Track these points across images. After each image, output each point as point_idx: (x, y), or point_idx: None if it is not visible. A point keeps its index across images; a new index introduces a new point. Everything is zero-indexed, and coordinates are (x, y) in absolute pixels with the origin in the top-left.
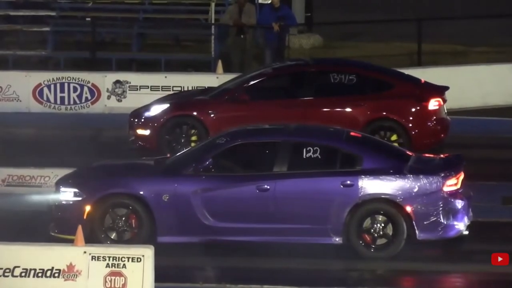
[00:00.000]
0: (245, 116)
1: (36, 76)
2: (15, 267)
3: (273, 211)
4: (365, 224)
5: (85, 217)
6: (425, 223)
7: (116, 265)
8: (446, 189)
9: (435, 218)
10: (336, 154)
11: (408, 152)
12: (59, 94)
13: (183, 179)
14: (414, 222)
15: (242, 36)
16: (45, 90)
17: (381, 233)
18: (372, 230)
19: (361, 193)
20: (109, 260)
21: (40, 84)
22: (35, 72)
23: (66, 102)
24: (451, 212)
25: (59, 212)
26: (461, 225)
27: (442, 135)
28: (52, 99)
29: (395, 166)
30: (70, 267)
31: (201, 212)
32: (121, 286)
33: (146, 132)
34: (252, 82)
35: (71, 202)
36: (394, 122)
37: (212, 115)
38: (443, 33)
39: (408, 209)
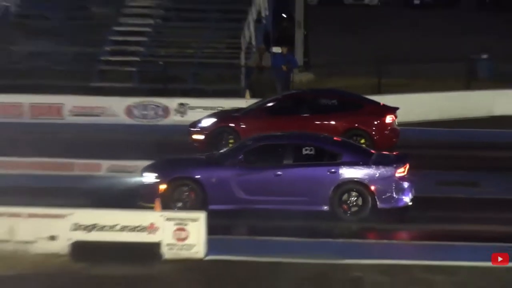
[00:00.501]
0: (264, 127)
1: (127, 100)
2: (116, 224)
3: (283, 189)
4: (343, 197)
5: (160, 192)
6: (383, 197)
7: (181, 224)
8: (397, 175)
9: (390, 194)
10: (324, 151)
11: (372, 151)
12: (142, 112)
13: (224, 168)
14: (376, 197)
15: (261, 74)
16: (133, 109)
17: (354, 203)
18: (348, 202)
19: (341, 177)
20: (177, 220)
21: (130, 105)
22: (126, 97)
23: (148, 117)
24: (400, 190)
25: (144, 189)
26: (407, 199)
27: (394, 140)
28: (138, 115)
29: (363, 160)
30: (151, 225)
31: (236, 189)
32: (184, 237)
33: (200, 137)
34: (268, 104)
35: (151, 183)
36: (363, 131)
37: (242, 126)
38: (395, 71)
39: (372, 188)
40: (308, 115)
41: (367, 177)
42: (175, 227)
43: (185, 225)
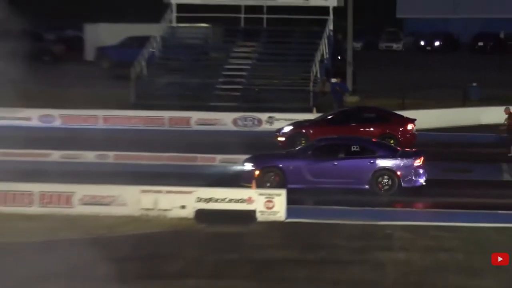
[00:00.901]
0: (325, 132)
1: (234, 115)
2: (225, 198)
3: (338, 174)
4: (379, 179)
5: (255, 176)
6: (405, 179)
7: (270, 197)
8: (415, 164)
9: (410, 177)
10: (366, 149)
11: (398, 148)
12: (244, 122)
13: (298, 159)
14: (400, 179)
15: (324, 96)
16: (238, 120)
17: (386, 184)
18: (382, 182)
19: (377, 166)
20: (266, 195)
21: (235, 118)
22: (233, 112)
23: (247, 126)
24: (417, 175)
25: (244, 174)
26: (422, 180)
27: (413, 141)
28: (241, 124)
29: (392, 154)
30: (249, 198)
31: (306, 174)
32: (272, 207)
33: (282, 139)
34: (328, 117)
35: (249, 170)
36: (392, 135)
37: (311, 132)
38: (413, 94)
39: (398, 173)
40: (355, 124)
41: (394, 165)
42: (265, 200)
43: (272, 198)
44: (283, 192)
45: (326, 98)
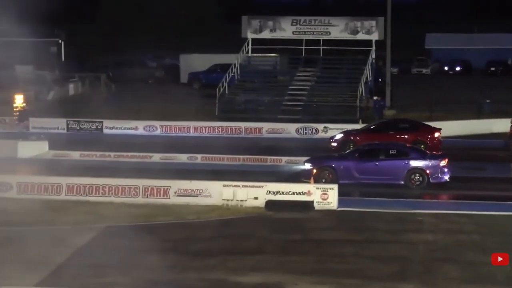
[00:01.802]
0: (369, 139)
1: (296, 125)
2: (289, 191)
3: (379, 172)
4: (412, 176)
5: (313, 175)
6: (433, 176)
7: (325, 191)
8: (441, 164)
9: (437, 175)
10: (401, 152)
11: (427, 152)
12: (304, 131)
13: (348, 160)
14: (429, 176)
15: (368, 110)
16: (299, 129)
17: (417, 180)
18: (414, 179)
19: (411, 166)
20: (322, 189)
21: (298, 127)
22: (296, 123)
23: (307, 134)
24: (443, 173)
25: (304, 172)
26: (446, 177)
27: (439, 146)
28: (302, 133)
29: (422, 156)
30: (309, 191)
31: (354, 172)
32: (326, 198)
33: (335, 144)
34: (371, 127)
35: (308, 169)
36: (422, 141)
37: (358, 138)
38: (439, 108)
39: (427, 171)
40: (393, 133)
41: (424, 165)
42: (321, 192)
43: (327, 191)
44: (335, 187)
45: (369, 112)
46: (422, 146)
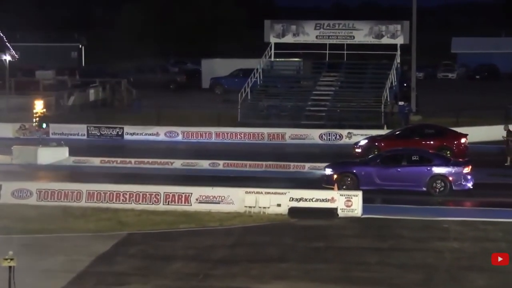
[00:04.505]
0: (393, 145)
1: (320, 131)
2: (313, 197)
3: (401, 178)
4: (434, 184)
5: (334, 179)
6: (456, 183)
7: (349, 197)
8: (464, 171)
9: (460, 182)
10: (424, 158)
11: (450, 158)
12: (328, 137)
13: (370, 166)
14: (452, 183)
15: (393, 115)
16: (323, 135)
17: (440, 187)
18: (436, 186)
19: (433, 172)
20: (346, 196)
21: (321, 133)
22: (319, 129)
23: (331, 140)
24: (465, 180)
25: (325, 177)
26: (469, 185)
27: (465, 152)
28: (325, 139)
29: (445, 163)
30: (332, 198)
31: (375, 178)
32: (350, 205)
33: (358, 150)
34: (396, 133)
35: (329, 174)
36: (448, 147)
37: (382, 144)
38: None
39: (450, 178)
40: (418, 139)
41: (447, 172)
42: (345, 199)
43: (351, 198)
44: (359, 193)
45: (395, 117)
46: (448, 152)
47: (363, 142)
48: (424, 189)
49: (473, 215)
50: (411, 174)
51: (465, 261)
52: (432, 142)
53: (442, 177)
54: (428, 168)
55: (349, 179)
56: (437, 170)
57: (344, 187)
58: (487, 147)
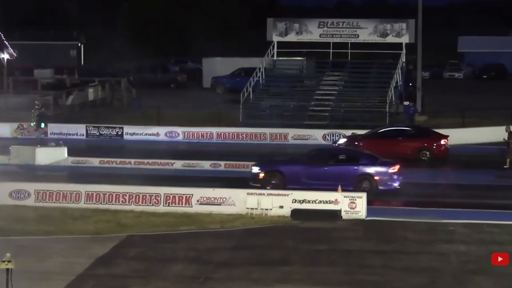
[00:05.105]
0: (373, 144)
1: (323, 131)
2: (316, 199)
3: (328, 177)
4: (360, 183)
5: (260, 178)
6: (382, 183)
7: (353, 199)
8: (390, 171)
9: (386, 181)
10: (351, 157)
11: (378, 157)
12: (331, 137)
13: (297, 165)
14: (377, 183)
15: (397, 116)
16: (326, 135)
17: (366, 186)
18: (363, 185)
19: (360, 172)
20: (350, 198)
21: (324, 133)
22: (322, 129)
23: (331, 140)
24: (392, 180)
25: (252, 175)
26: (396, 185)
27: (446, 153)
28: (329, 139)
29: (372, 162)
30: (336, 200)
31: (303, 177)
32: (354, 207)
33: None
34: (378, 132)
35: (255, 172)
36: (428, 148)
37: (361, 144)
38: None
39: (376, 178)
40: (399, 139)
41: (373, 172)
42: (349, 201)
43: (355, 200)
44: (364, 195)
45: (399, 117)
46: (428, 153)
47: (343, 141)
48: (351, 188)
49: (480, 218)
50: (338, 173)
51: (471, 264)
52: (412, 143)
53: (369, 176)
54: (355, 168)
55: (276, 177)
56: (363, 169)
57: (269, 187)
58: (495, 149)
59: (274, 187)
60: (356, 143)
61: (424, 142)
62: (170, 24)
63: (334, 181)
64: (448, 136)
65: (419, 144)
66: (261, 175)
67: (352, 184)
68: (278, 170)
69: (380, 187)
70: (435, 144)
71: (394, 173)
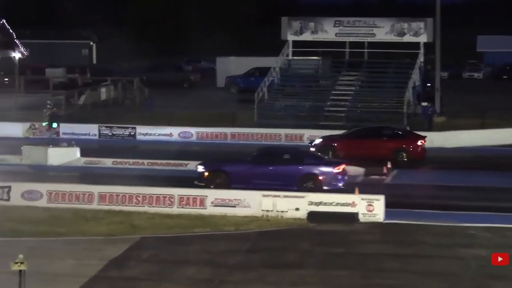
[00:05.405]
0: (349, 144)
1: (338, 132)
2: (333, 201)
3: (274, 177)
4: (304, 182)
5: (205, 177)
6: (326, 183)
7: (370, 202)
8: (334, 171)
9: (330, 181)
10: (296, 157)
11: (324, 157)
12: None
13: (241, 164)
14: (322, 182)
15: (415, 117)
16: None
17: (310, 186)
18: (307, 185)
19: (304, 171)
20: (367, 200)
21: None
22: (338, 130)
23: None
24: (336, 180)
25: (199, 175)
26: (340, 184)
27: (423, 154)
28: None
29: (317, 162)
30: (353, 202)
31: (247, 176)
32: (372, 209)
33: (313, 149)
34: (355, 132)
35: (200, 171)
36: (404, 149)
37: (335, 144)
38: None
39: (320, 178)
40: (376, 139)
41: (317, 172)
42: (367, 203)
43: (372, 202)
44: (382, 198)
45: (417, 118)
46: (405, 154)
47: (318, 141)
48: (295, 188)
49: (501, 222)
50: (282, 173)
51: (491, 269)
52: (388, 144)
53: (313, 176)
54: (299, 167)
55: (220, 177)
56: (307, 169)
57: (212, 186)
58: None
59: (218, 186)
60: (331, 143)
61: (400, 143)
62: (183, 22)
63: (278, 180)
64: (425, 137)
65: (396, 145)
66: (206, 174)
67: (297, 183)
68: (222, 170)
69: (324, 187)
70: (411, 145)
71: (338, 173)
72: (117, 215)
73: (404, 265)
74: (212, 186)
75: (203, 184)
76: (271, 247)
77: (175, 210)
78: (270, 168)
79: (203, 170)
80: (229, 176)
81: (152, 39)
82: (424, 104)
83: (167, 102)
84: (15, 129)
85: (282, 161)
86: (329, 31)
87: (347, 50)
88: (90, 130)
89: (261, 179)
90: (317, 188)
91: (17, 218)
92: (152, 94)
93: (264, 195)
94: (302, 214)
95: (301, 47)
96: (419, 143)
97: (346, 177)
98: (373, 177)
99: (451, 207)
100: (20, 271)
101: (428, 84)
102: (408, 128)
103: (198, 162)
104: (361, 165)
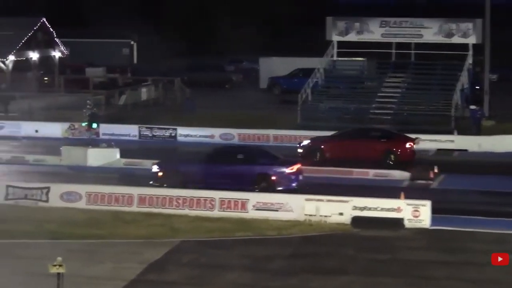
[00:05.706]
0: (336, 146)
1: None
2: (377, 206)
3: (227, 176)
4: (257, 182)
5: (159, 177)
6: (280, 182)
7: (416, 207)
8: (287, 171)
9: (283, 181)
10: (250, 157)
11: (279, 157)
12: None
13: (196, 164)
14: (275, 182)
15: (463, 120)
16: None
17: (264, 185)
18: (262, 184)
19: (257, 171)
20: (413, 206)
21: None
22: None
23: None
24: (289, 180)
25: (154, 175)
26: (294, 184)
27: (412, 156)
28: None
29: (271, 162)
30: (398, 208)
31: (202, 176)
32: (418, 215)
33: (301, 150)
34: (342, 133)
35: (154, 171)
36: (393, 151)
37: (323, 146)
38: None
39: (273, 178)
40: (364, 141)
41: (271, 172)
42: (412, 209)
43: (418, 208)
44: (428, 203)
45: (465, 122)
46: (393, 156)
47: (306, 143)
48: (250, 187)
49: None
50: (236, 172)
51: None
52: (377, 145)
53: (266, 175)
54: (253, 167)
55: (174, 176)
56: (261, 169)
57: (165, 185)
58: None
59: (172, 186)
60: (319, 145)
61: (389, 145)
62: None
63: (232, 180)
64: (415, 139)
65: (384, 147)
66: (160, 174)
67: (250, 183)
68: (177, 170)
69: (277, 187)
70: (400, 148)
71: (292, 173)
72: (156, 218)
73: (451, 272)
74: (165, 185)
75: (157, 185)
76: (314, 253)
77: (216, 213)
78: (224, 168)
79: (158, 170)
80: (183, 176)
81: (192, 38)
82: (473, 107)
83: (208, 103)
84: (54, 129)
85: (236, 160)
86: (375, 31)
87: (393, 51)
88: (130, 131)
89: (215, 178)
90: (271, 188)
91: (56, 219)
92: (193, 95)
93: (307, 199)
94: (346, 219)
95: (346, 48)
96: (407, 145)
97: (301, 177)
98: (419, 181)
99: (500, 214)
100: (58, 273)
101: (476, 87)
102: (455, 132)
103: (154, 162)
104: (407, 169)
